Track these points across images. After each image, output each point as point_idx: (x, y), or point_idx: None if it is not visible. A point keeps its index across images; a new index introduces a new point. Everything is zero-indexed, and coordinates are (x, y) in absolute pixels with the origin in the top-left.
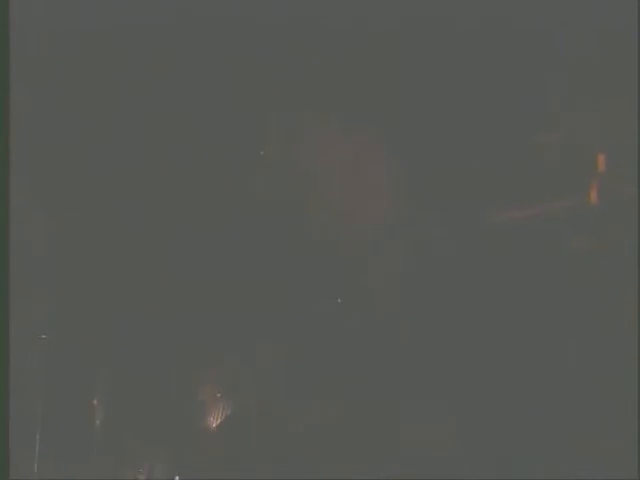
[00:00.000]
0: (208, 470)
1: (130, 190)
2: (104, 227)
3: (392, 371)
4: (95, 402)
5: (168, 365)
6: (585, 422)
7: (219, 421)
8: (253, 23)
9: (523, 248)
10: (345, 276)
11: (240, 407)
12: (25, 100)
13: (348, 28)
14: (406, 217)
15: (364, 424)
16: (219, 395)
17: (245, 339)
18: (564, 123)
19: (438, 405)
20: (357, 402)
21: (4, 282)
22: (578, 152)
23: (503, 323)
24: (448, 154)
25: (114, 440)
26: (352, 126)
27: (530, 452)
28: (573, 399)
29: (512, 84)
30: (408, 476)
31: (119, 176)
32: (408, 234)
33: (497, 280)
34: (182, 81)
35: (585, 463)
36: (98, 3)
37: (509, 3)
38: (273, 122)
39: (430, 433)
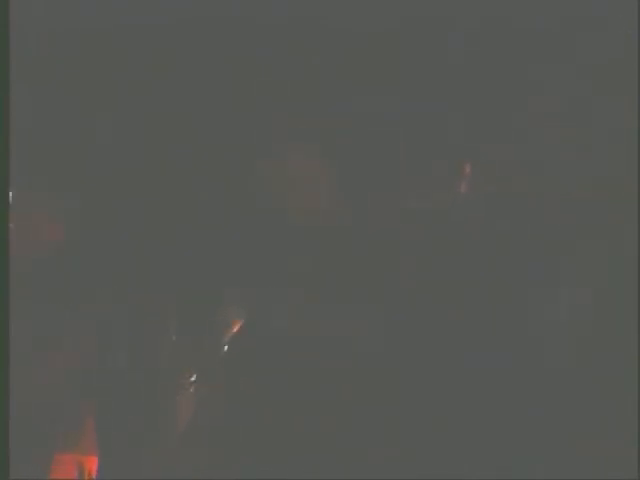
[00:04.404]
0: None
1: (130, 189)
2: (104, 227)
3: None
4: None
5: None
6: (585, 422)
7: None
8: (253, 23)
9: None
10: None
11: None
12: (25, 100)
13: (348, 28)
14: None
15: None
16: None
17: None
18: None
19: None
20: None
21: (4, 281)
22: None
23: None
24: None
25: None
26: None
27: (530, 452)
28: (572, 399)
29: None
30: (408, 475)
31: (119, 175)
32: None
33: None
34: (182, 81)
35: (585, 463)
36: (98, 3)
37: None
38: (273, 122)
39: (426, 430)
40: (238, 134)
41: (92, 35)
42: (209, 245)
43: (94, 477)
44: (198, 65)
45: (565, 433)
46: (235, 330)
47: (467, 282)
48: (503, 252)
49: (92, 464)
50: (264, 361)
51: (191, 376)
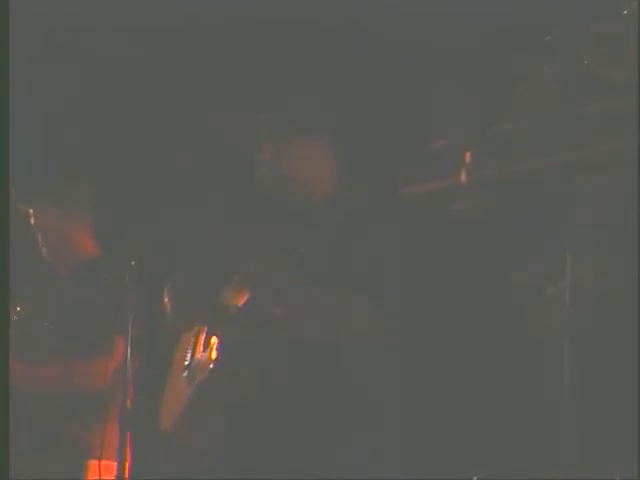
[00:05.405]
0: None
1: (138, 180)
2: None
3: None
4: None
5: None
6: (585, 422)
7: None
8: (253, 23)
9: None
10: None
11: None
12: (25, 101)
13: (347, 22)
14: None
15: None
16: None
17: None
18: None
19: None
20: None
21: (4, 281)
22: None
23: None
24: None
25: None
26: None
27: (529, 451)
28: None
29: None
30: (408, 476)
31: (125, 166)
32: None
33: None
34: (183, 82)
35: (585, 463)
36: (98, 4)
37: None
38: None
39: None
40: (240, 125)
41: (92, 35)
42: (210, 232)
43: None
44: (200, 59)
45: (565, 433)
46: (237, 309)
47: (465, 274)
48: (501, 240)
49: (110, 469)
50: (262, 346)
51: (185, 359)
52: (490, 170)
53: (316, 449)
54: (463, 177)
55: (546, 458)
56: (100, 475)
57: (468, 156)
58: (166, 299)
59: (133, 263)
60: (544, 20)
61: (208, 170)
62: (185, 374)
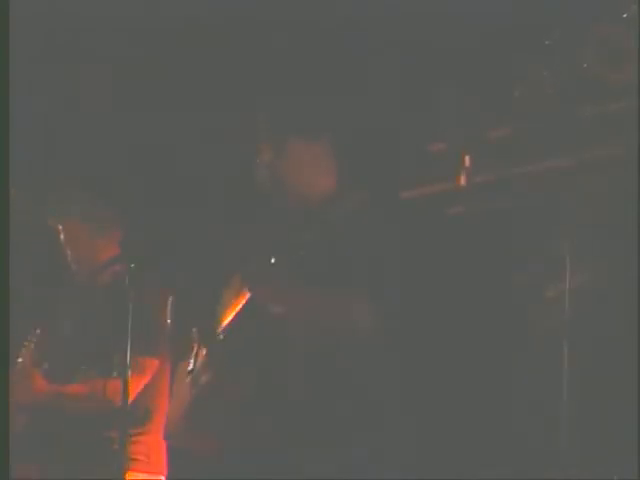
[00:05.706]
0: None
1: (139, 180)
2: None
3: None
4: None
5: None
6: (584, 422)
7: None
8: (254, 23)
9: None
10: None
11: None
12: (25, 100)
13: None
14: None
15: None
16: None
17: None
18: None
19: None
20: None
21: (4, 281)
22: None
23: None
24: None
25: None
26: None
27: (530, 452)
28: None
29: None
30: (408, 476)
31: (126, 168)
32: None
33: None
34: (183, 82)
35: (585, 463)
36: (98, 4)
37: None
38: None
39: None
40: (241, 125)
41: (92, 35)
42: (210, 232)
43: None
44: (200, 59)
45: (565, 433)
46: (236, 310)
47: (466, 275)
48: (501, 241)
49: None
50: (262, 346)
51: (188, 365)
52: (490, 172)
53: (316, 449)
54: (463, 179)
55: (546, 458)
56: None
57: (468, 158)
58: (169, 312)
59: (132, 265)
60: (544, 21)
61: (208, 170)
62: (188, 379)
